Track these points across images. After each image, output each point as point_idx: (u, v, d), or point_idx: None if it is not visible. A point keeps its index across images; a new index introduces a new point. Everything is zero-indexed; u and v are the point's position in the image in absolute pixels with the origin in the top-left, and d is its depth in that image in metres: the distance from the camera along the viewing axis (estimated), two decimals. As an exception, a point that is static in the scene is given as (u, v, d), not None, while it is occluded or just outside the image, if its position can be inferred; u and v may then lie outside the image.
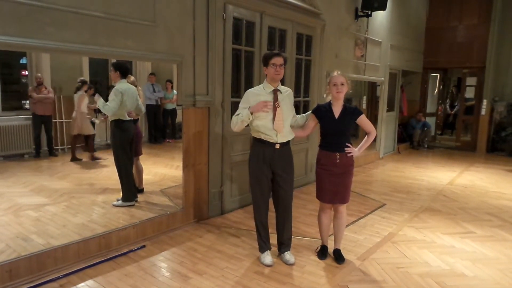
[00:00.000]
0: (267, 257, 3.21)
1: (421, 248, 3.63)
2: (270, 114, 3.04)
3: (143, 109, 4.78)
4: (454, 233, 4.04)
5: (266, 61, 3.05)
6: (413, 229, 4.11)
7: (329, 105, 3.16)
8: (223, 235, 3.83)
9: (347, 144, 3.10)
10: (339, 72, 3.13)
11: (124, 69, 4.35)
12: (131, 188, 4.40)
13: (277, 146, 3.09)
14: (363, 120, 3.16)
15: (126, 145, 4.34)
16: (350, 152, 3.10)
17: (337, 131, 3.11)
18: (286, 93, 3.18)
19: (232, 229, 4.00)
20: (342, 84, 3.06)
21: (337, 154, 3.09)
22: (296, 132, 3.29)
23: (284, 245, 3.30)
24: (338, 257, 3.29)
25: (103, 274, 3.00)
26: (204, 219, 4.22)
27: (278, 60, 3.02)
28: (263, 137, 3.08)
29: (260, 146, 3.10)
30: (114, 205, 4.35)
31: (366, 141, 3.16)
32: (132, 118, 4.42)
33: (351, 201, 5.03)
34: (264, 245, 3.26)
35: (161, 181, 5.60)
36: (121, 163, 4.35)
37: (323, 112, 3.16)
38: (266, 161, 3.09)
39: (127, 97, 4.27)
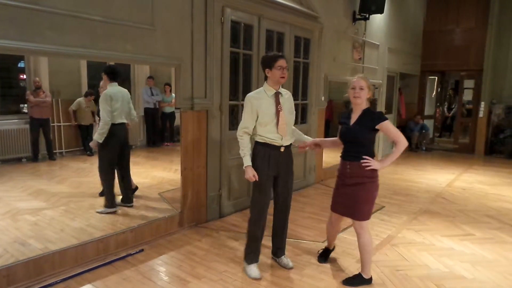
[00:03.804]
0: (255, 269, 3.07)
1: (420, 251, 3.62)
2: (274, 118, 2.95)
3: (134, 113, 4.59)
4: (453, 236, 4.04)
5: (270, 63, 2.92)
6: (412, 232, 4.11)
7: (350, 111, 2.94)
8: (221, 239, 3.82)
9: (363, 156, 2.78)
10: (361, 76, 2.91)
11: (112, 72, 4.26)
12: (110, 194, 4.26)
13: (282, 149, 3.02)
14: (384, 128, 2.76)
15: (112, 149, 4.21)
16: (367, 164, 2.76)
17: (349, 138, 2.88)
18: (286, 96, 3.11)
19: (230, 232, 3.98)
20: (362, 88, 2.79)
21: (348, 163, 2.86)
22: (327, 143, 3.24)
23: (280, 249, 3.27)
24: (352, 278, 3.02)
25: (101, 279, 2.98)
26: (202, 222, 4.21)
27: (283, 62, 2.94)
28: (268, 141, 2.98)
29: (265, 149, 2.98)
30: (98, 212, 4.24)
31: (393, 153, 2.79)
32: (123, 121, 4.29)
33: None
34: (254, 257, 3.11)
35: (159, 184, 5.59)
36: (102, 168, 4.24)
37: (342, 118, 2.97)
38: (271, 165, 2.99)
39: (116, 101, 4.16)
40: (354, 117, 2.87)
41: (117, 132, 4.21)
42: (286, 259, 3.24)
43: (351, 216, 2.93)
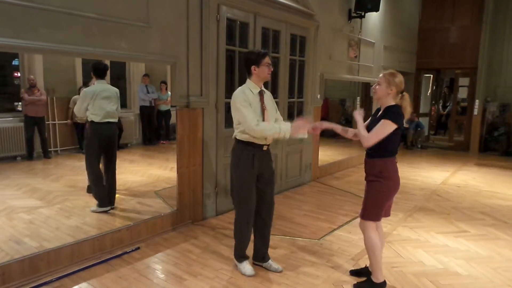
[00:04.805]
0: (248, 266, 3.07)
1: (415, 248, 3.65)
2: (260, 117, 2.89)
3: (118, 113, 4.33)
4: (448, 232, 4.07)
5: (258, 60, 2.87)
6: (407, 229, 4.13)
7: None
8: (218, 236, 3.82)
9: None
10: (387, 71, 2.74)
11: (96, 70, 4.16)
12: (100, 193, 4.22)
13: (265, 148, 2.96)
14: (380, 123, 2.64)
15: (96, 148, 4.11)
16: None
17: None
18: (268, 95, 3.06)
19: (227, 230, 3.98)
20: (379, 84, 2.70)
21: (365, 159, 2.81)
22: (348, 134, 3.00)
23: (267, 253, 3.18)
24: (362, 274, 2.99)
25: (97, 277, 2.98)
26: (198, 220, 4.21)
27: (269, 59, 2.92)
28: (253, 139, 2.89)
29: (249, 148, 2.90)
30: (92, 211, 4.22)
31: (346, 128, 2.83)
32: (110, 120, 4.16)
33: (346, 201, 5.09)
34: (244, 256, 3.11)
35: (155, 182, 5.58)
36: (88, 167, 4.18)
37: (374, 115, 2.84)
38: (256, 165, 2.92)
39: (94, 99, 4.03)
40: (379, 114, 2.74)
41: (100, 130, 4.08)
42: (275, 264, 3.16)
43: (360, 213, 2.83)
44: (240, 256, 3.12)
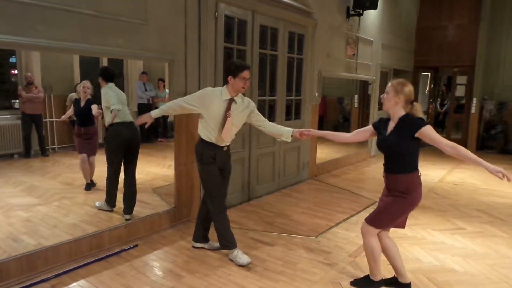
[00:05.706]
0: (243, 255, 3.18)
1: (412, 245, 3.66)
2: (220, 122, 3.02)
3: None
4: (445, 230, 4.09)
5: (235, 72, 2.98)
6: (405, 226, 4.15)
7: (388, 119, 2.70)
8: (215, 234, 3.80)
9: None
10: (394, 80, 2.65)
11: (106, 74, 4.14)
12: (113, 193, 4.18)
13: (225, 148, 3.17)
14: (425, 135, 2.48)
15: (117, 149, 4.01)
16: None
17: (385, 149, 2.65)
18: (243, 104, 3.13)
19: (224, 227, 3.99)
20: (387, 93, 2.61)
21: (386, 175, 2.67)
22: (338, 137, 3.03)
23: (207, 236, 3.49)
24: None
25: (95, 274, 2.98)
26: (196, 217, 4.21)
27: (248, 74, 3.00)
28: (213, 140, 3.09)
29: (210, 147, 3.10)
30: (96, 206, 4.24)
31: (476, 158, 2.50)
32: (129, 121, 4.10)
33: (343, 199, 5.11)
34: (233, 241, 3.22)
35: (153, 180, 5.58)
36: (109, 167, 4.13)
37: (381, 127, 2.72)
38: (217, 162, 3.14)
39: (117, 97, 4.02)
40: (391, 126, 2.63)
41: (119, 131, 3.98)
42: (216, 242, 3.35)
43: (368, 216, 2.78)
44: (231, 242, 3.21)
